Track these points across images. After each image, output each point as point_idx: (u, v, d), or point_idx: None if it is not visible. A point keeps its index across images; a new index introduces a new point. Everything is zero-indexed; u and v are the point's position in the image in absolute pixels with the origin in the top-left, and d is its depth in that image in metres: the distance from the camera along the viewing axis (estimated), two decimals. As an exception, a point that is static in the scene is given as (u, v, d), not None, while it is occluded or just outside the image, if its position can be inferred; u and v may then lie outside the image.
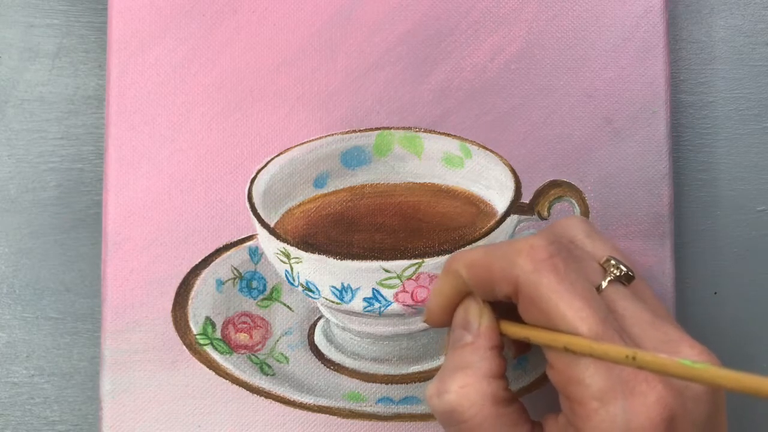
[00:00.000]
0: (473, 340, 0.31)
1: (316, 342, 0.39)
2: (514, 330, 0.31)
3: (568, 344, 0.28)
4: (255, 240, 0.39)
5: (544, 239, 0.29)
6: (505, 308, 0.32)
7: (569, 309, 0.28)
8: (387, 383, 0.38)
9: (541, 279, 0.29)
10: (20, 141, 0.41)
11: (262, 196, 0.38)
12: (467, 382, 0.30)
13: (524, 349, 0.33)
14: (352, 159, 0.39)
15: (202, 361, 0.38)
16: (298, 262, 0.37)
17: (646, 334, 0.29)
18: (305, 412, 0.38)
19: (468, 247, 0.37)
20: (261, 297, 0.39)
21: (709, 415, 0.28)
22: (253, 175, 0.39)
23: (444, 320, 0.33)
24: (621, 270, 0.30)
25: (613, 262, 0.31)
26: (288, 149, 0.39)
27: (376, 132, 0.39)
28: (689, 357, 0.28)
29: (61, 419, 0.40)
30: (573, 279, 0.29)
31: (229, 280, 0.39)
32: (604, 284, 0.30)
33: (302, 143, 0.39)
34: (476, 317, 0.32)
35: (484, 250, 0.31)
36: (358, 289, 0.37)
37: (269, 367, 0.38)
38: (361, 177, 0.39)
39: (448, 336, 0.34)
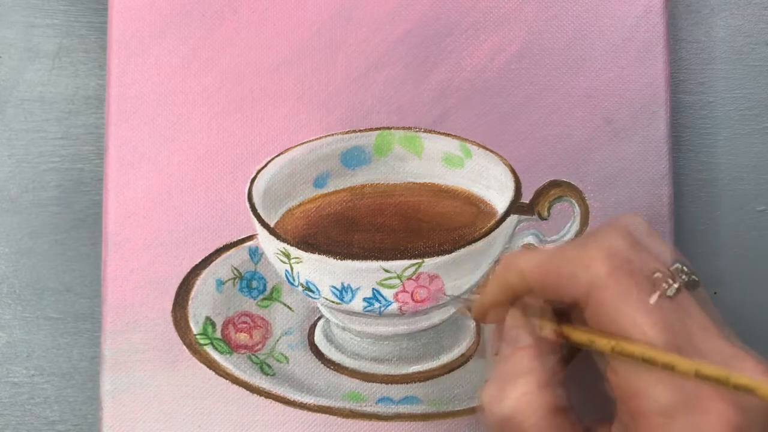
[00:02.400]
0: (534, 343, 0.30)
1: (316, 342, 0.39)
2: (579, 335, 0.30)
3: (645, 354, 0.27)
4: (255, 240, 0.39)
5: (620, 242, 0.29)
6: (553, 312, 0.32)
7: (645, 318, 0.27)
8: (387, 383, 0.38)
9: (616, 286, 0.28)
10: (20, 141, 0.41)
11: (262, 196, 0.38)
12: (528, 389, 0.29)
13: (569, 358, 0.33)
14: (352, 159, 0.39)
15: (202, 361, 0.38)
16: (298, 262, 0.37)
17: (711, 346, 0.28)
18: (305, 412, 0.38)
19: (472, 245, 0.37)
20: (261, 297, 0.39)
21: None
22: (253, 175, 0.39)
23: (493, 317, 0.32)
24: (689, 276, 0.30)
25: (678, 266, 0.30)
26: (288, 149, 0.39)
27: (376, 132, 0.39)
28: (755, 372, 0.28)
29: (61, 419, 0.40)
30: (647, 287, 0.28)
31: (229, 280, 0.39)
32: (672, 292, 0.29)
33: (302, 143, 0.39)
34: (537, 319, 0.31)
35: (551, 252, 0.30)
36: (358, 289, 0.37)
37: (269, 367, 0.38)
38: (361, 177, 0.39)
39: (491, 334, 0.33)
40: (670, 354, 0.27)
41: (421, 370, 0.39)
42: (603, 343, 0.28)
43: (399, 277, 0.36)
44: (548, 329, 0.31)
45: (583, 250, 0.29)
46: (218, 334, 0.38)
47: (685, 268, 0.30)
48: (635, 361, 0.27)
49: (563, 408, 0.30)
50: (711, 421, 0.27)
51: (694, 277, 0.30)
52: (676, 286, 0.29)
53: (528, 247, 0.39)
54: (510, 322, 0.32)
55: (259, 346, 0.39)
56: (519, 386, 0.29)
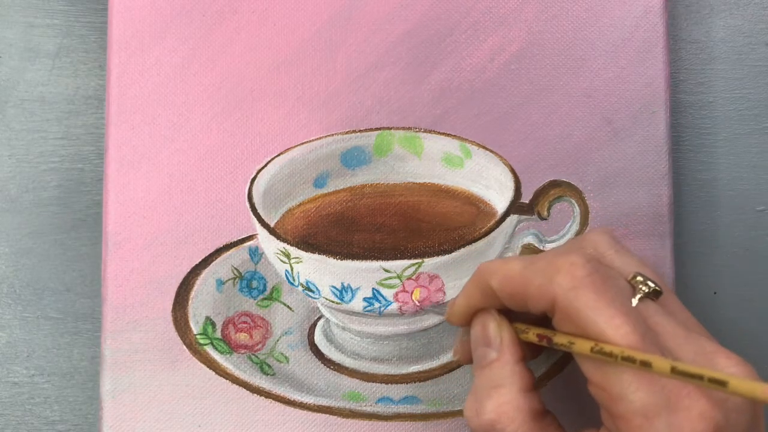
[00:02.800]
0: (498, 355, 0.31)
1: (316, 342, 0.39)
2: (559, 338, 0.30)
3: (624, 353, 0.27)
4: (255, 240, 0.39)
5: (581, 256, 0.29)
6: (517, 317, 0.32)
7: (608, 326, 0.28)
8: (387, 383, 0.38)
9: (580, 296, 0.29)
10: (20, 141, 0.41)
11: (262, 196, 0.38)
12: (503, 400, 0.30)
13: (534, 354, 0.33)
14: (352, 159, 0.39)
15: (202, 361, 0.38)
16: (298, 262, 0.37)
17: (682, 348, 0.29)
18: (305, 412, 0.38)
19: (471, 245, 0.37)
20: (261, 297, 0.39)
21: (750, 424, 0.28)
22: (253, 175, 0.39)
23: (465, 322, 0.34)
24: (649, 286, 0.30)
25: (640, 278, 0.30)
26: (288, 149, 0.39)
27: (376, 132, 0.39)
28: (726, 368, 0.28)
29: (61, 419, 0.40)
30: (612, 296, 0.29)
31: (229, 280, 0.39)
32: (635, 301, 0.30)
33: (302, 143, 0.39)
34: (496, 332, 0.32)
35: (520, 265, 0.31)
36: (358, 289, 0.37)
37: (269, 366, 0.38)
38: (361, 177, 0.40)
39: (457, 335, 0.35)
40: (647, 353, 0.27)
41: (421, 370, 0.39)
42: (583, 345, 0.28)
43: (399, 277, 0.36)
44: (507, 339, 0.31)
45: (548, 262, 0.30)
46: (218, 334, 0.38)
47: (644, 279, 0.30)
48: (614, 361, 0.28)
49: (542, 411, 0.31)
50: (692, 419, 0.27)
51: (654, 286, 0.30)
52: (638, 296, 0.30)
53: (528, 247, 0.39)
54: (473, 340, 0.33)
55: (259, 346, 0.39)
56: (494, 398, 0.30)
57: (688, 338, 0.29)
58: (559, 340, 0.30)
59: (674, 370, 0.26)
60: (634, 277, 0.31)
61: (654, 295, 0.30)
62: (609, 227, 0.34)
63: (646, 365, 0.27)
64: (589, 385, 0.30)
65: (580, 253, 0.30)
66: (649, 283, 0.30)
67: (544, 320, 0.31)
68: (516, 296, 0.31)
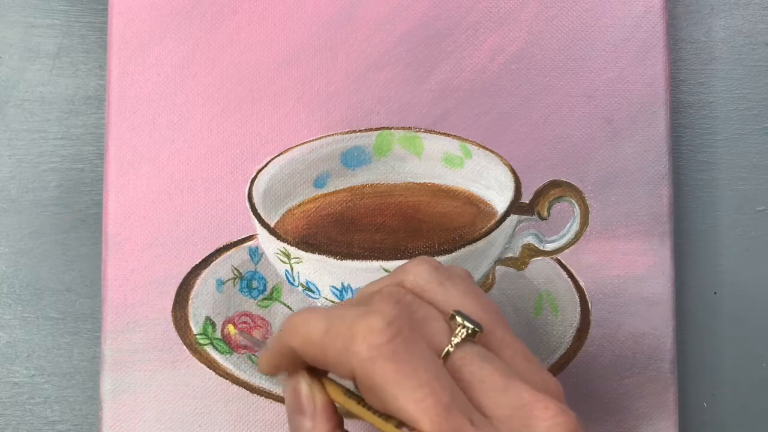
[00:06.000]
0: (312, 425, 0.29)
1: (316, 342, 0.39)
2: (358, 410, 0.28)
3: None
4: (255, 240, 0.39)
5: (383, 315, 0.26)
6: None
7: (409, 402, 0.25)
8: (387, 383, 0.38)
9: (377, 369, 0.26)
10: (21, 141, 0.41)
11: (262, 196, 0.38)
12: None
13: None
14: (352, 159, 0.39)
15: (202, 361, 0.38)
16: (298, 262, 0.37)
17: (497, 403, 0.27)
18: (305, 412, 0.38)
19: (472, 245, 0.37)
20: (261, 297, 0.39)
21: None
22: (253, 175, 0.39)
23: (276, 374, 0.31)
24: (467, 327, 0.27)
25: (459, 319, 0.27)
26: (288, 149, 0.39)
27: (376, 132, 0.39)
28: (542, 421, 0.26)
29: (61, 419, 0.40)
30: (415, 363, 0.26)
31: (229, 280, 0.39)
32: (451, 348, 0.27)
33: (302, 143, 0.39)
34: (309, 399, 0.29)
35: (323, 324, 0.27)
36: (358, 289, 0.37)
37: (269, 367, 0.38)
38: (361, 177, 0.39)
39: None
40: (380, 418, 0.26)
41: (421, 370, 0.39)
42: (387, 426, 0.27)
43: (399, 277, 0.36)
44: (320, 406, 0.29)
45: (349, 326, 0.27)
46: (218, 334, 0.38)
47: (462, 319, 0.28)
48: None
49: None
50: None
51: (469, 325, 0.27)
52: (455, 342, 0.27)
53: (528, 247, 0.39)
54: (287, 408, 0.30)
55: (259, 346, 0.39)
56: None
57: (507, 389, 0.27)
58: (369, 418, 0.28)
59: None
60: (453, 317, 0.28)
61: (472, 334, 0.27)
62: (430, 257, 0.31)
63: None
64: None
65: (383, 312, 0.27)
66: (467, 323, 0.27)
67: None
68: (318, 362, 0.28)
